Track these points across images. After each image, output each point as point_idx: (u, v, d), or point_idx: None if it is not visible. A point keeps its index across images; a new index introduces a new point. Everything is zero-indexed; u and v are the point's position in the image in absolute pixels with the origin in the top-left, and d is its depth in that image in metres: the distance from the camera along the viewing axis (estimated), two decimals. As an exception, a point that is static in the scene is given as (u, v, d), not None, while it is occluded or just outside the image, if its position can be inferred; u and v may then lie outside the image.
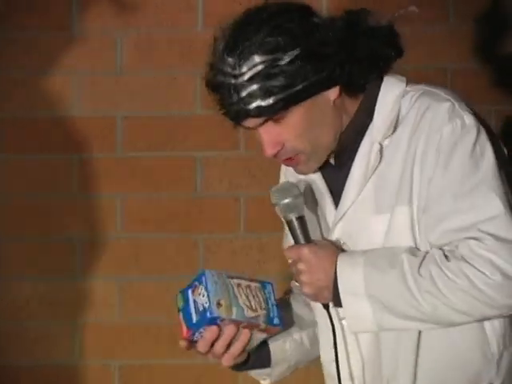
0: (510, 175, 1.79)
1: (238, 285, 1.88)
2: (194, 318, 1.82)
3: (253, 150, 2.20)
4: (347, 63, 1.74)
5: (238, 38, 1.72)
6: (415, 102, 1.76)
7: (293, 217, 1.81)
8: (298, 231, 1.82)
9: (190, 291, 1.84)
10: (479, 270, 1.64)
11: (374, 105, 1.80)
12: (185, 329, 1.84)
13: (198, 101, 3.38)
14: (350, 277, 1.74)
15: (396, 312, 1.72)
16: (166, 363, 3.46)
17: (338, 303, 1.77)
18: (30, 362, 3.63)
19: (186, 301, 1.85)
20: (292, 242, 1.84)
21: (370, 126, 1.79)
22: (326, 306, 1.82)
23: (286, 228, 1.87)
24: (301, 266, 1.78)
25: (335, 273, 1.75)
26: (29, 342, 3.58)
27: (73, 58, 3.56)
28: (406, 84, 1.82)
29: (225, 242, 3.44)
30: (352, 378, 1.87)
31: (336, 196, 1.86)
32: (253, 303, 1.87)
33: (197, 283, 1.83)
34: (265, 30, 1.70)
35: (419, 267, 1.68)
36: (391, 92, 1.81)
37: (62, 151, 3.52)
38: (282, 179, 2.00)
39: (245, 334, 1.81)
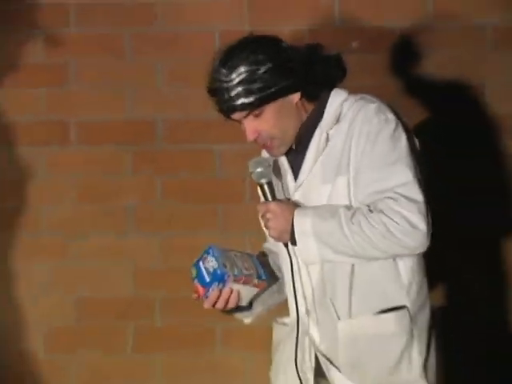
0: (418, 158, 2.40)
1: (235, 255, 2.49)
2: (207, 278, 2.40)
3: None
4: (305, 77, 2.42)
5: (229, 55, 2.39)
6: (353, 104, 2.41)
7: (264, 181, 2.45)
8: (267, 192, 2.45)
9: (200, 262, 2.44)
10: (393, 220, 2.23)
11: (324, 107, 2.47)
12: (200, 288, 2.42)
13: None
14: (302, 222, 2.34)
15: (334, 249, 2.32)
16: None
17: (293, 242, 2.38)
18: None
19: (199, 269, 2.43)
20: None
21: (320, 123, 2.46)
22: (286, 245, 2.44)
23: (260, 191, 2.50)
24: (268, 216, 2.40)
25: (292, 220, 2.36)
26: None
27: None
28: (348, 94, 2.49)
29: (236, 210, 4.32)
30: (305, 297, 2.50)
31: (296, 171, 2.52)
32: (246, 265, 2.47)
33: (205, 255, 2.44)
34: (248, 50, 2.38)
35: (351, 218, 2.29)
36: (337, 99, 2.47)
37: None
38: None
39: (234, 295, 2.42)
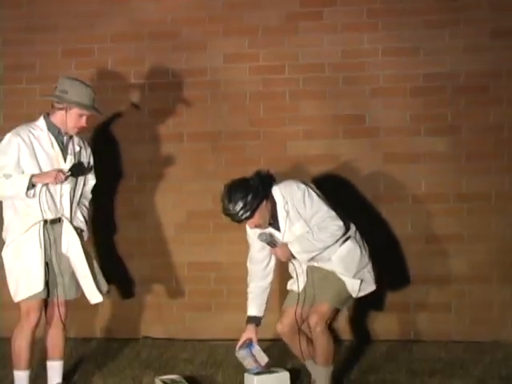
0: (321, 196, 4.94)
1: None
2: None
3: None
4: (264, 191, 4.81)
5: (231, 197, 4.71)
6: (284, 190, 4.88)
7: (268, 241, 4.89)
8: (272, 244, 4.90)
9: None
10: (330, 229, 4.80)
11: (274, 199, 4.87)
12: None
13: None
14: (294, 248, 4.83)
15: (313, 252, 4.83)
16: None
17: (294, 258, 4.92)
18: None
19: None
20: (256, 247, 5.04)
21: (277, 206, 4.86)
22: (291, 259, 4.98)
23: (256, 245, 5.02)
24: (277, 253, 4.92)
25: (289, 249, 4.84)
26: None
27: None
28: (277, 184, 4.94)
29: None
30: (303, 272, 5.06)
31: (277, 229, 4.92)
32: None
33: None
34: (238, 192, 4.71)
35: (313, 236, 4.79)
36: (276, 192, 4.89)
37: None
38: (248, 231, 5.00)
39: None
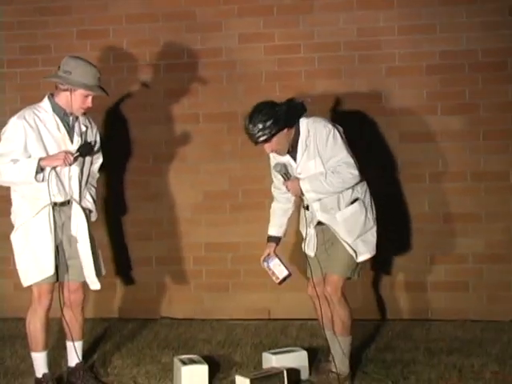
0: (346, 143, 4.90)
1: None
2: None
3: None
4: (288, 120, 4.80)
5: (252, 118, 4.77)
6: (311, 124, 4.88)
7: (282, 172, 4.94)
8: (285, 177, 4.95)
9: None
10: (344, 175, 4.78)
11: (299, 130, 4.90)
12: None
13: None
14: (304, 186, 4.84)
15: (322, 193, 4.84)
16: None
17: (302, 194, 4.90)
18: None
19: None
20: (277, 178, 5.10)
21: (300, 137, 4.89)
22: (301, 196, 4.97)
23: (277, 175, 5.03)
24: (288, 186, 4.96)
25: (300, 185, 4.86)
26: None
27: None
28: (306, 118, 4.92)
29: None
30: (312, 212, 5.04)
31: (294, 159, 4.95)
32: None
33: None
34: (260, 114, 4.74)
35: (325, 178, 4.78)
36: (303, 124, 4.91)
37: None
38: (271, 158, 5.06)
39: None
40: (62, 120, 4.83)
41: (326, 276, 4.96)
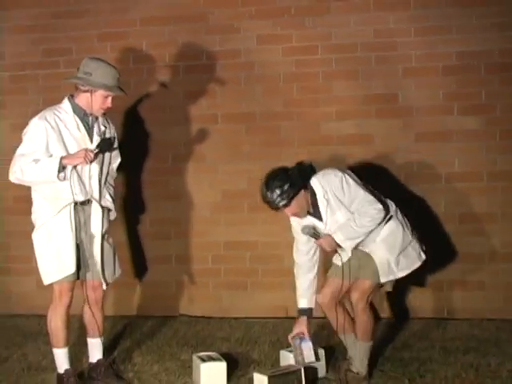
0: (359, 181, 4.96)
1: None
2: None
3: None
4: (302, 182, 4.86)
5: (269, 185, 4.82)
6: (322, 179, 4.90)
7: (312, 233, 4.95)
8: (315, 236, 4.95)
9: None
10: (370, 214, 4.80)
11: (313, 189, 4.90)
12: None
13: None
14: (338, 237, 4.86)
15: (356, 238, 4.87)
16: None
17: (339, 247, 4.95)
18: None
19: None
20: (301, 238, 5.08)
21: (317, 196, 4.89)
22: (336, 250, 5.02)
23: (303, 236, 5.03)
24: (322, 244, 4.94)
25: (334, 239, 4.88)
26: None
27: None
28: (316, 175, 4.97)
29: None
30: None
31: (320, 219, 4.96)
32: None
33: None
34: (276, 181, 4.80)
35: (355, 222, 4.80)
36: (315, 182, 4.90)
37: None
38: (292, 222, 5.08)
39: None
40: (81, 120, 4.88)
41: (357, 281, 4.99)
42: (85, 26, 7.11)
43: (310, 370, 4.99)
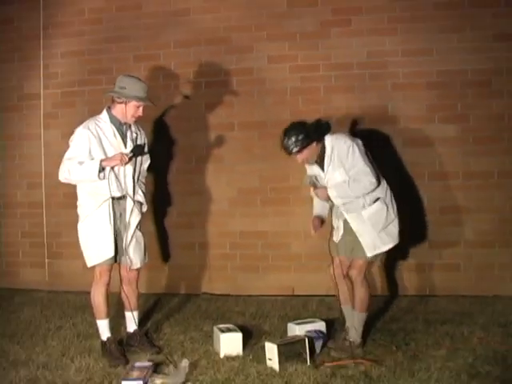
0: (365, 153, 4.99)
1: None
2: None
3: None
4: (316, 136, 4.96)
5: (286, 134, 4.97)
6: (334, 140, 4.99)
7: (312, 183, 5.13)
8: (314, 186, 5.10)
9: None
10: (363, 183, 4.89)
11: (324, 145, 5.02)
12: None
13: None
14: (331, 193, 4.98)
15: (346, 198, 4.95)
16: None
17: (330, 200, 5.05)
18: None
19: None
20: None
21: (326, 152, 5.01)
22: (327, 200, 5.08)
23: (309, 181, 5.17)
24: (318, 193, 5.08)
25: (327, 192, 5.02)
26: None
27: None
28: (330, 135, 5.04)
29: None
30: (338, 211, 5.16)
31: (322, 169, 5.06)
32: None
33: None
34: (293, 131, 4.94)
35: (348, 185, 4.92)
36: (328, 140, 5.01)
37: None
38: (307, 168, 5.22)
39: None
40: (117, 129, 5.03)
41: (353, 260, 5.08)
42: (123, 49, 7.21)
43: (313, 340, 5.02)
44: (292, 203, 6.78)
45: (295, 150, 4.93)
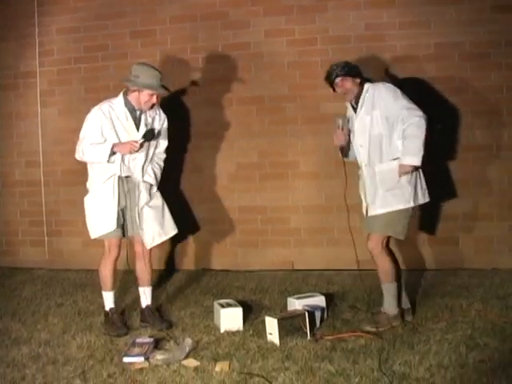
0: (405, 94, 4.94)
1: None
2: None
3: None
4: (361, 75, 5.11)
5: (335, 63, 5.14)
6: (373, 87, 4.99)
7: (338, 124, 5.09)
8: (340, 127, 5.09)
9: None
10: (415, 125, 4.76)
11: (363, 88, 5.01)
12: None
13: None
14: (358, 141, 5.10)
15: (372, 152, 5.00)
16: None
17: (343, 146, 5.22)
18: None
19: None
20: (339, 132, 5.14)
21: (363, 94, 4.99)
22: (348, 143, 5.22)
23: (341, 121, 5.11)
24: (338, 135, 5.12)
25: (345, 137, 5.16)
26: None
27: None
28: (370, 83, 5.02)
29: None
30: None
31: (355, 111, 5.06)
32: None
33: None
34: (343, 62, 5.12)
35: (389, 141, 4.96)
36: (368, 86, 5.02)
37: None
38: (347, 106, 5.21)
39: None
40: (130, 113, 5.12)
41: (370, 233, 5.05)
42: (119, 25, 7.20)
43: (312, 314, 5.04)
44: (291, 178, 6.80)
45: (341, 73, 5.04)
